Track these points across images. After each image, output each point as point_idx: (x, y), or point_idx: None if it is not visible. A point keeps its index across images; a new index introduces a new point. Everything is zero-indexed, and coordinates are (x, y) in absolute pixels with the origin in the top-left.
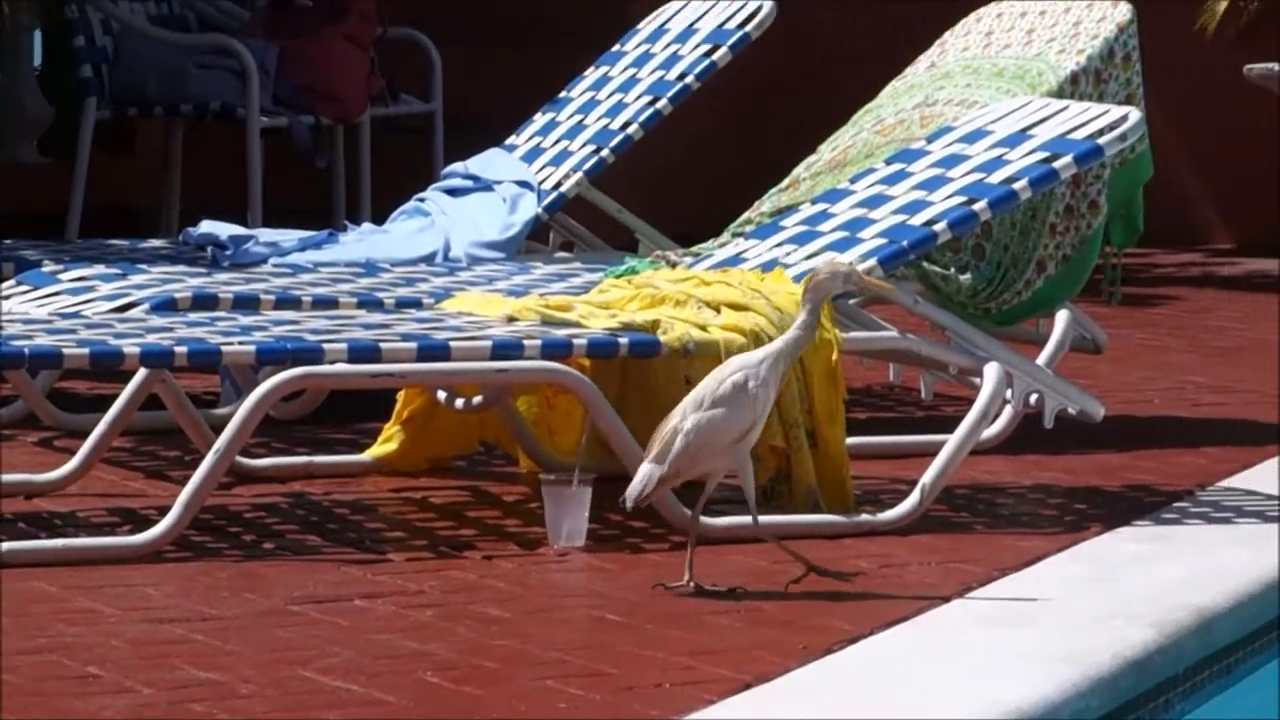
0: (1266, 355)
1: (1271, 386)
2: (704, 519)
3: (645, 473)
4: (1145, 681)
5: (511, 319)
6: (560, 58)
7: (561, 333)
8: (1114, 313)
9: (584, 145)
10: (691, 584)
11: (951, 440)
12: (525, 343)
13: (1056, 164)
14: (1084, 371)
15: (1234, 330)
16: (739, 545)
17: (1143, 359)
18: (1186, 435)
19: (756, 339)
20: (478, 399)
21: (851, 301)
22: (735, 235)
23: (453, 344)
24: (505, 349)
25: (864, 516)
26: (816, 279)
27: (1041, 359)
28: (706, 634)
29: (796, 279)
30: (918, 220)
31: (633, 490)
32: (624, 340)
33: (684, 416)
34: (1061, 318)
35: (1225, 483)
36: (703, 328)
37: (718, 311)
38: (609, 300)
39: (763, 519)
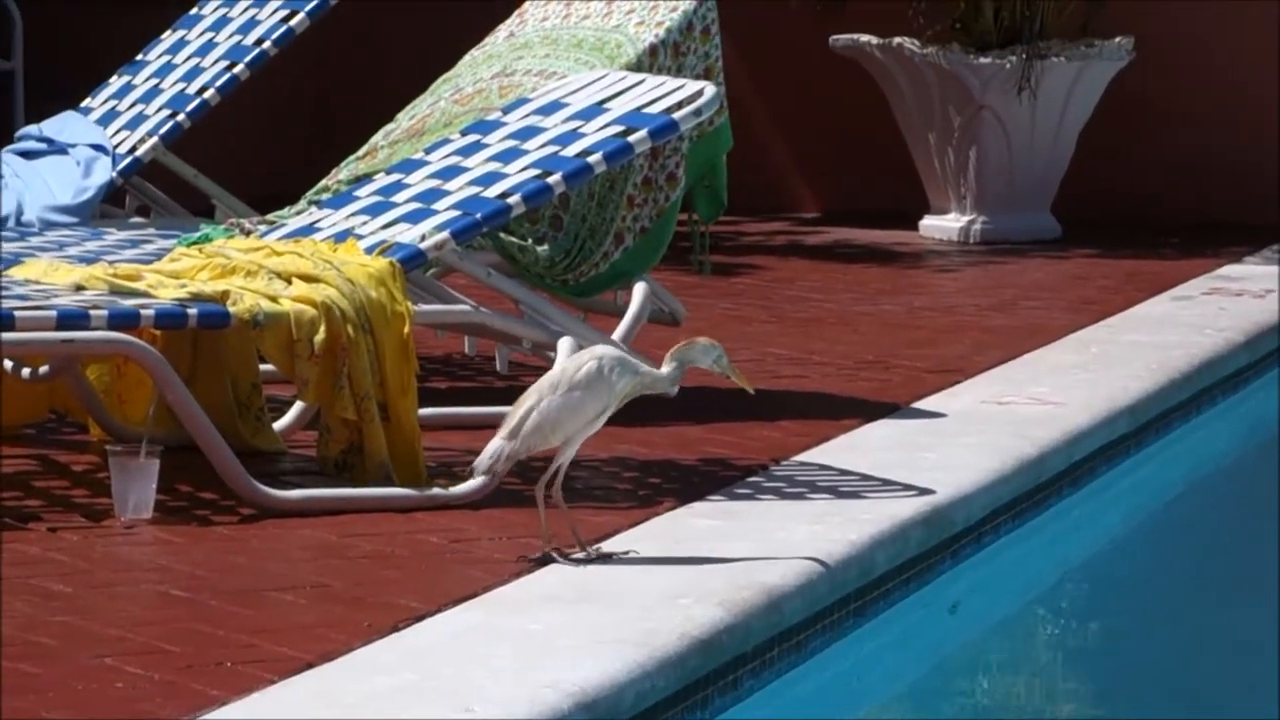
0: (845, 326)
1: (848, 359)
2: (276, 492)
3: (496, 448)
4: (713, 660)
5: (79, 287)
6: (139, 21)
7: (129, 303)
8: (698, 283)
9: (160, 109)
10: (591, 551)
11: None
12: (91, 313)
13: (631, 138)
14: (665, 343)
15: (815, 301)
16: (309, 519)
17: (725, 329)
18: (764, 408)
19: (328, 311)
20: (45, 368)
21: (430, 273)
22: (311, 203)
23: (17, 314)
24: (71, 319)
25: (436, 490)
26: (692, 349)
27: (618, 333)
28: (271, 611)
29: (369, 250)
30: (492, 192)
31: (481, 462)
32: (193, 311)
33: (540, 397)
34: (639, 290)
35: (799, 457)
36: (273, 299)
37: (289, 282)
38: (179, 269)
39: (332, 492)
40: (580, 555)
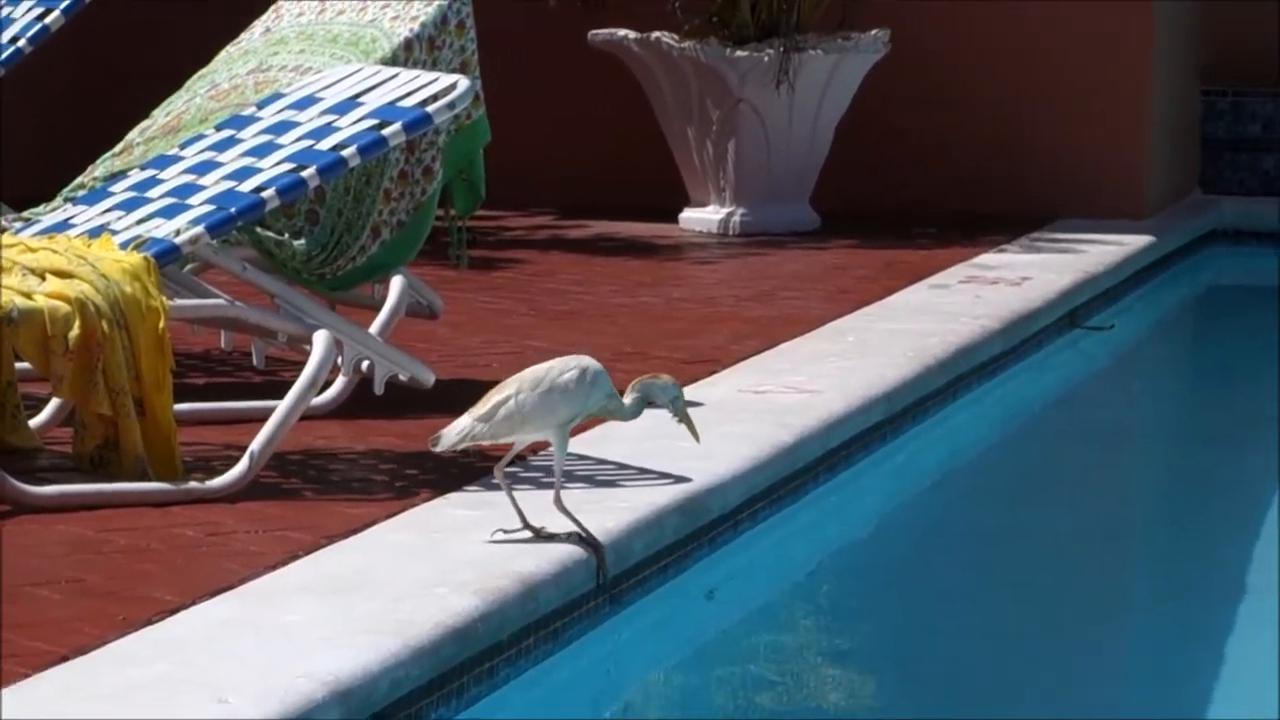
0: (604, 319)
1: (606, 350)
2: (32, 488)
3: (465, 426)
4: (468, 649)
5: None
6: None
7: None
8: (457, 276)
9: None
10: (538, 529)
11: (280, 408)
12: None
13: (385, 131)
14: (426, 335)
15: (574, 294)
16: (66, 514)
17: (485, 323)
18: None
19: (82, 306)
20: None
21: (186, 268)
22: (66, 200)
23: None
24: None
25: (192, 484)
26: (653, 385)
27: (374, 326)
28: (25, 606)
29: (123, 246)
30: (246, 187)
31: (448, 438)
32: None
33: (520, 390)
34: (396, 284)
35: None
36: (27, 295)
37: (43, 279)
38: None
39: (88, 488)
40: (525, 534)
